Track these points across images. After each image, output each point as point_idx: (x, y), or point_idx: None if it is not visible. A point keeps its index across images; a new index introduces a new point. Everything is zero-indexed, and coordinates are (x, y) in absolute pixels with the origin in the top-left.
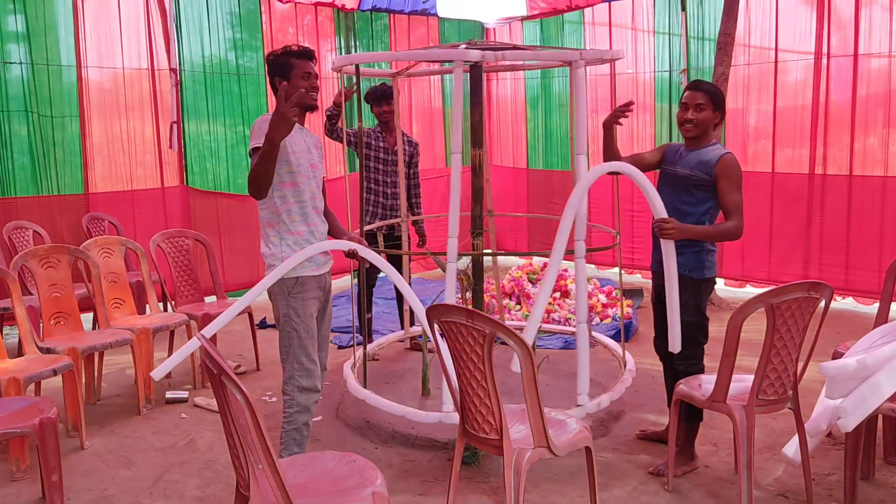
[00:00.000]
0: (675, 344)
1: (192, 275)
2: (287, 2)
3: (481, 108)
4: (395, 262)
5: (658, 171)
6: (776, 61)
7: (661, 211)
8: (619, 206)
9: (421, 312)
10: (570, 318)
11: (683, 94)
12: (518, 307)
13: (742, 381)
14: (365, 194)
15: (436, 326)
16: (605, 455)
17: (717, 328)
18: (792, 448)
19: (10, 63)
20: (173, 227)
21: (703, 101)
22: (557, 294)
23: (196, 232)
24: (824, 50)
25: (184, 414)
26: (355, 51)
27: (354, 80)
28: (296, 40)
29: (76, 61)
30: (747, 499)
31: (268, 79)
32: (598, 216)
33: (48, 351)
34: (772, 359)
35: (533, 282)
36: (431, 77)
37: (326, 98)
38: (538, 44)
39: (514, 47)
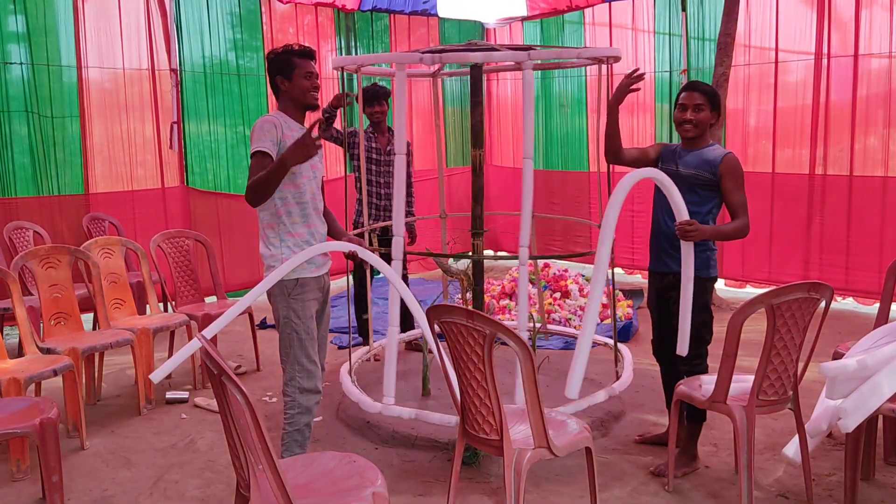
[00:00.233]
0: (683, 347)
1: (193, 275)
2: (287, 2)
3: (481, 109)
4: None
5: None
6: (776, 61)
7: (684, 214)
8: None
9: (419, 314)
10: (570, 319)
11: (680, 95)
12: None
13: (742, 382)
14: (358, 195)
15: (436, 327)
16: (605, 455)
17: (717, 329)
18: (792, 448)
19: (11, 63)
20: (173, 227)
21: (702, 102)
22: (558, 294)
23: (196, 232)
24: (824, 50)
25: (184, 414)
26: (355, 51)
27: (354, 91)
28: (296, 41)
29: (76, 61)
30: (747, 499)
31: (268, 77)
32: (597, 214)
33: (48, 351)
34: (772, 359)
35: (533, 282)
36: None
37: (325, 99)
38: (538, 44)
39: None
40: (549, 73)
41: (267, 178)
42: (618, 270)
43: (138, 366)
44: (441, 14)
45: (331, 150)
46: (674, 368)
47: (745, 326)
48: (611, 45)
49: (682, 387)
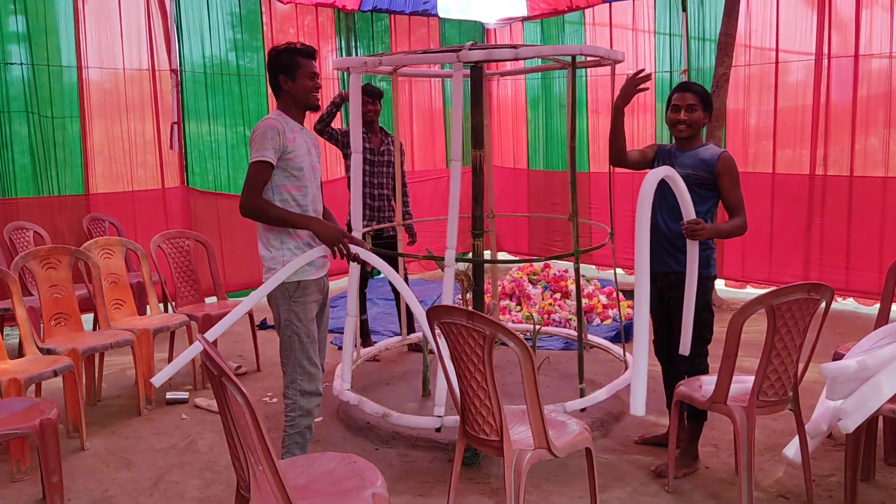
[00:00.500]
0: (686, 346)
1: (193, 275)
2: (287, 2)
3: (482, 110)
4: (391, 262)
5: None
6: (777, 62)
7: (691, 213)
8: (612, 203)
9: (420, 314)
10: (570, 320)
11: (672, 96)
12: (518, 308)
13: (742, 383)
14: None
15: (436, 328)
16: (605, 456)
17: (717, 329)
18: (792, 449)
19: (11, 64)
20: (174, 227)
21: (694, 102)
22: (558, 295)
23: (196, 233)
24: (825, 50)
25: (184, 415)
26: (356, 52)
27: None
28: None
29: (77, 62)
30: (748, 500)
31: (268, 75)
32: (598, 215)
33: (49, 352)
34: (772, 360)
35: (533, 283)
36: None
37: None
38: (538, 44)
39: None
40: (550, 73)
41: (283, 219)
42: (618, 271)
43: (138, 366)
44: (441, 14)
45: (330, 150)
46: (674, 368)
47: (746, 327)
48: (611, 45)
49: (683, 387)
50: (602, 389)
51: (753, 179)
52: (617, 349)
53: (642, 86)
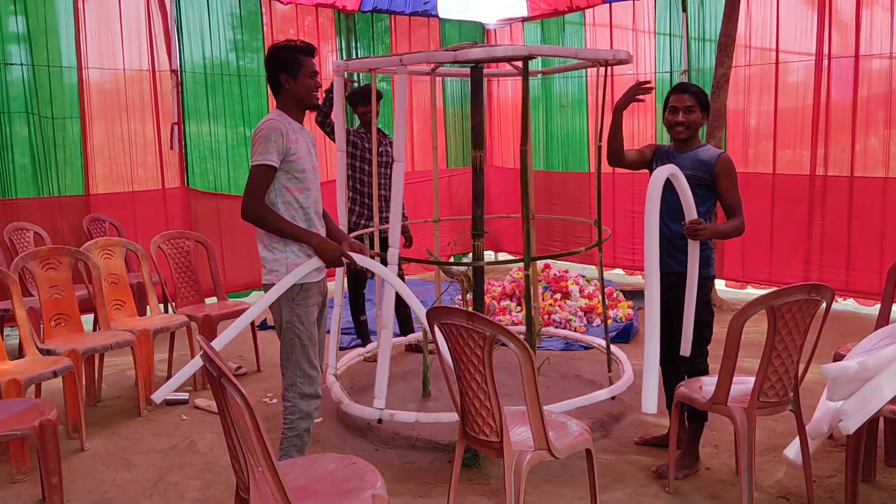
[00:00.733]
0: (686, 347)
1: (193, 276)
2: (288, 3)
3: (482, 110)
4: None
5: (648, 170)
6: (777, 62)
7: (694, 213)
8: (599, 200)
9: (422, 314)
10: (571, 320)
11: (669, 97)
12: (518, 308)
13: (743, 384)
14: (351, 194)
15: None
16: (605, 457)
17: (718, 330)
18: (793, 450)
19: (11, 64)
20: (174, 228)
21: (692, 103)
22: (558, 295)
23: (196, 233)
24: (825, 51)
25: (184, 416)
26: (356, 53)
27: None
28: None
29: (77, 62)
30: (748, 501)
31: (268, 72)
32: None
33: (48, 352)
34: (773, 361)
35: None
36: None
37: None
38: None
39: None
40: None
41: (282, 229)
42: (618, 271)
43: (138, 367)
44: (441, 15)
45: (330, 150)
46: (675, 369)
47: (746, 328)
48: (611, 46)
49: (683, 388)
50: (603, 390)
51: (754, 180)
52: (618, 350)
53: (640, 96)
